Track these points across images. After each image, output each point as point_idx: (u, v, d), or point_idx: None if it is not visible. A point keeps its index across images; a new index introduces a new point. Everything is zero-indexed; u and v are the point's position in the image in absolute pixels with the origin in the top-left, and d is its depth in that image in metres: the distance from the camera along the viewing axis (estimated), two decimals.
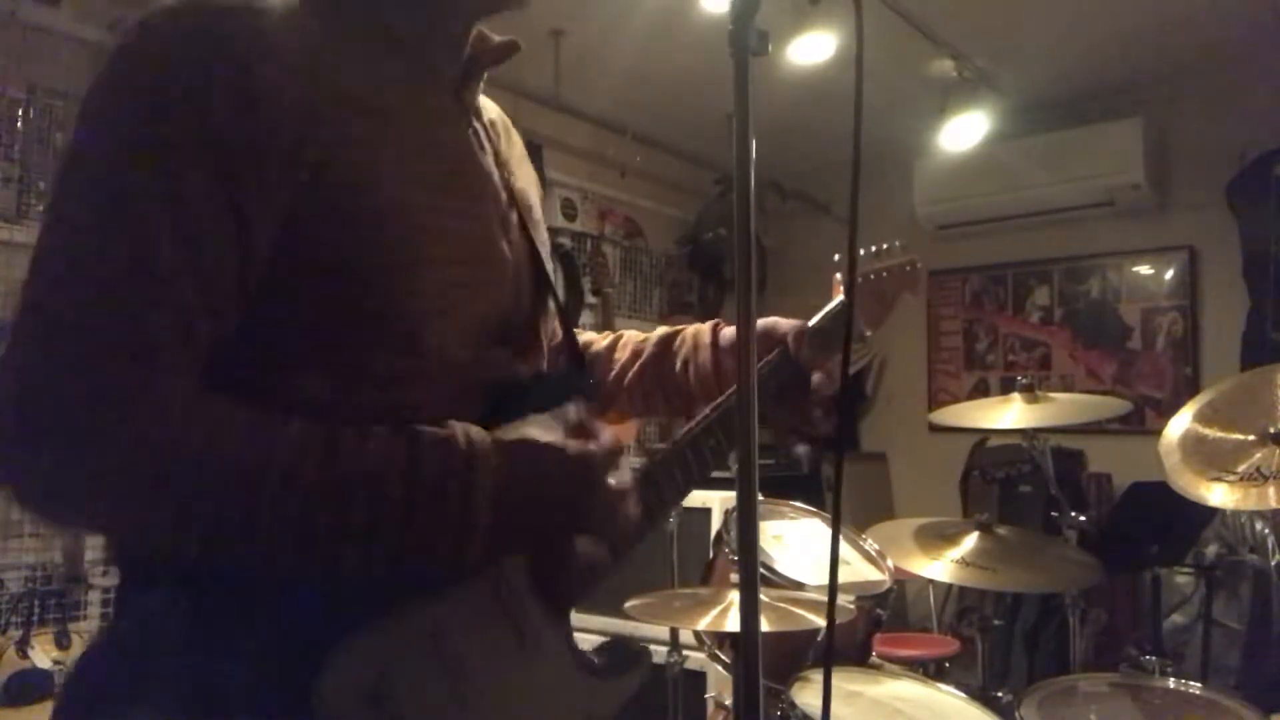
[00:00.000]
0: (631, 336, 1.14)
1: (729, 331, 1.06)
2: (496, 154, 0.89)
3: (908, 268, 1.20)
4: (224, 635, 0.68)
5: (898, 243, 1.21)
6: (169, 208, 0.65)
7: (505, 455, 0.72)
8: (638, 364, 1.09)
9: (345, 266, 0.71)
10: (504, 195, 0.87)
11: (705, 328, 1.09)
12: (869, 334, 1.17)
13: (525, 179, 0.95)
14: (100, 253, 0.64)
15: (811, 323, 1.05)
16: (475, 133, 0.87)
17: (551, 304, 0.92)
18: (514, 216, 0.87)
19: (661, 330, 1.12)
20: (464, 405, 0.76)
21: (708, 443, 0.95)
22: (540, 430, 0.76)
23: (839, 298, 1.10)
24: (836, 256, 1.16)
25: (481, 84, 0.89)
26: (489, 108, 0.95)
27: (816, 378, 1.04)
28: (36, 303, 0.65)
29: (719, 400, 0.98)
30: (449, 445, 0.70)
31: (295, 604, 0.68)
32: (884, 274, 1.18)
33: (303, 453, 0.66)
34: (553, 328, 0.94)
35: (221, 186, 0.66)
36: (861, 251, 1.16)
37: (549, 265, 0.91)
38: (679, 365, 1.08)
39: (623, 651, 0.89)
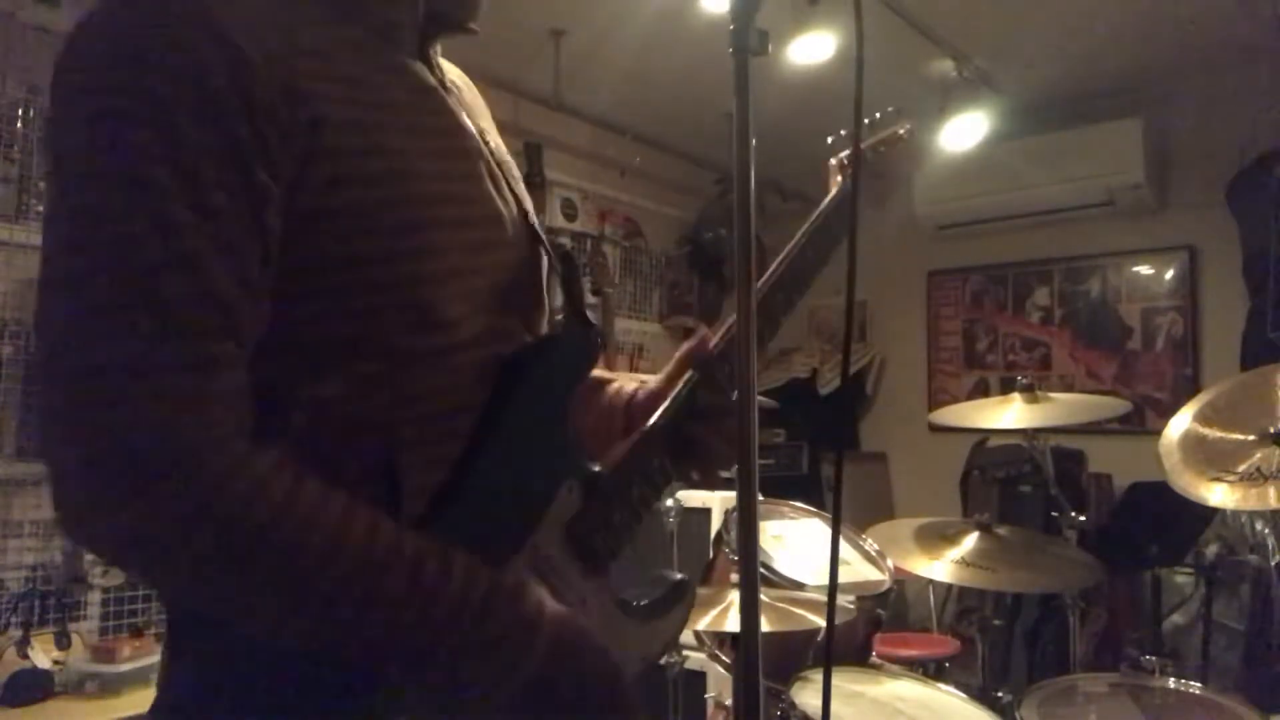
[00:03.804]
0: None
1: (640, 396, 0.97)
2: (468, 112, 0.87)
3: (901, 132, 1.15)
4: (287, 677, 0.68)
5: (890, 108, 1.15)
6: (185, 182, 0.62)
7: (556, 648, 0.72)
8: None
9: (353, 238, 0.69)
10: (486, 153, 0.85)
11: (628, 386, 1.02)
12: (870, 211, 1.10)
13: (495, 135, 0.92)
14: (121, 237, 0.61)
15: (810, 218, 1.04)
16: (448, 91, 0.85)
17: (546, 260, 0.90)
18: (499, 174, 0.86)
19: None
20: (483, 384, 0.77)
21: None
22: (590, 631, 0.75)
23: (836, 188, 1.07)
24: (830, 139, 1.09)
25: (440, 45, 0.86)
26: (447, 68, 0.91)
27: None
28: (54, 315, 0.62)
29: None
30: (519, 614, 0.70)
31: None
32: (880, 148, 1.13)
33: (392, 559, 0.66)
34: (552, 286, 0.92)
35: (232, 155, 0.63)
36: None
37: (535, 220, 0.89)
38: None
39: (666, 587, 0.89)
